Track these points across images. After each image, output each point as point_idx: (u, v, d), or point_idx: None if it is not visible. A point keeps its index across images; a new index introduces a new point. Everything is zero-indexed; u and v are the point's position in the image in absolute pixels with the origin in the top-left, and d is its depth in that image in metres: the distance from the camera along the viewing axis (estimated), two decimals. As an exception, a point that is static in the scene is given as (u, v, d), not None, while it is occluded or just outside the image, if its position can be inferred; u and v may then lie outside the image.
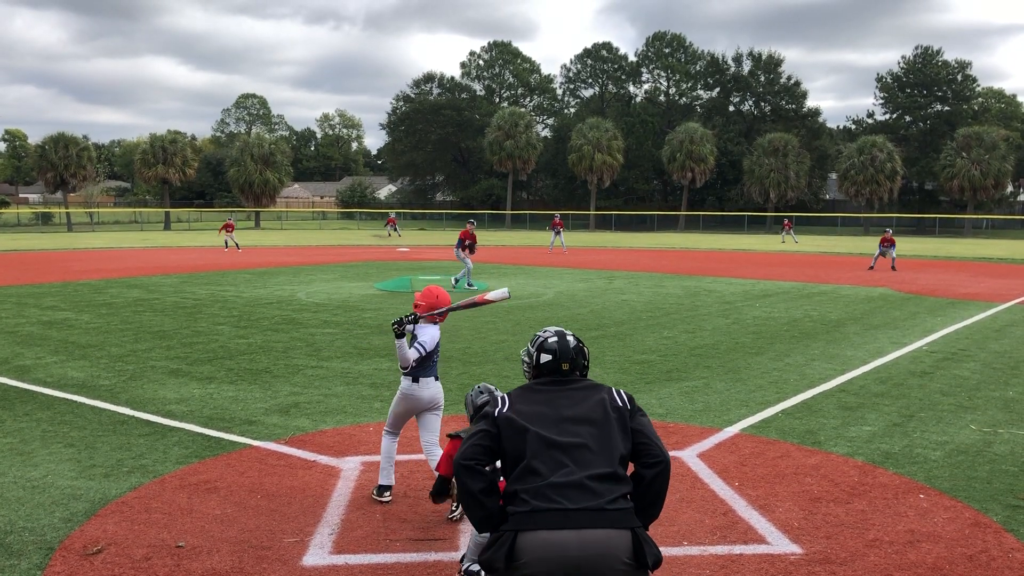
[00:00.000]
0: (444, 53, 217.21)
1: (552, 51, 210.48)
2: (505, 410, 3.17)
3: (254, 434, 7.32)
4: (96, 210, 74.69)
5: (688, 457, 6.74)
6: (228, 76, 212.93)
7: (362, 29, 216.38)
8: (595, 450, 3.07)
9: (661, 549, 4.96)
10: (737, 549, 4.97)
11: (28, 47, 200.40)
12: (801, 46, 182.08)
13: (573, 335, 3.40)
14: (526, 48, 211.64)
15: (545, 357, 3.30)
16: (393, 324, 5.10)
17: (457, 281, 20.59)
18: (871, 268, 27.52)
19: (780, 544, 5.05)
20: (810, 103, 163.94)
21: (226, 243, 36.53)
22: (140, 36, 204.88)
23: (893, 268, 27.16)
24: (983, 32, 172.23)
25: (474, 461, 3.12)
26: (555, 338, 3.33)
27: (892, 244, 28.00)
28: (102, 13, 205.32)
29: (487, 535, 3.22)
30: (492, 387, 5.12)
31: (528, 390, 3.29)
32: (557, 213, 44.41)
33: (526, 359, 3.43)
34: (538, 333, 3.44)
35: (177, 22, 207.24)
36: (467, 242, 21.27)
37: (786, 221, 51.30)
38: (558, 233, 37.51)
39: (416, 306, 5.49)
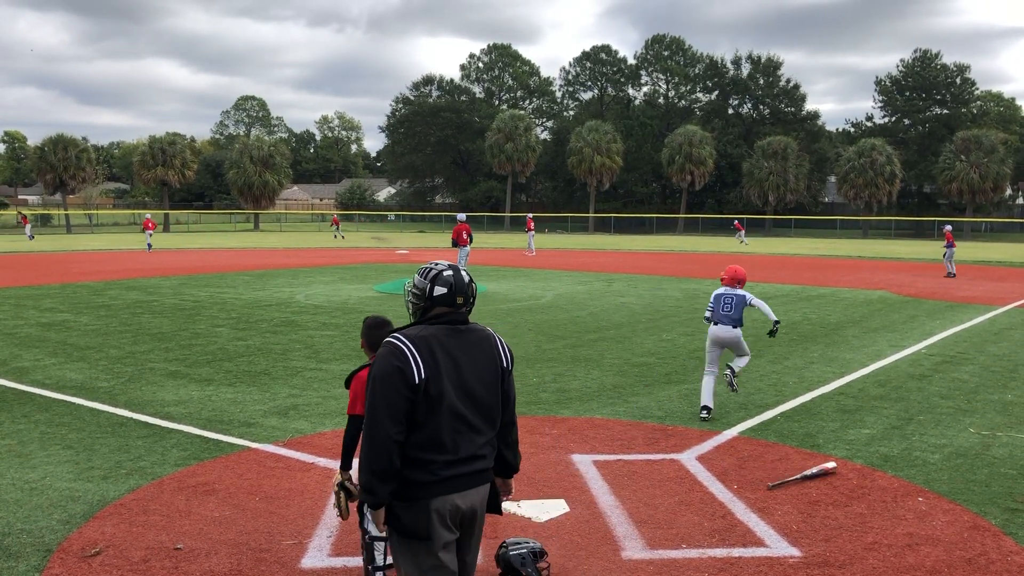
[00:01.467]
0: (446, 56, 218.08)
1: (555, 53, 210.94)
2: (423, 375, 3.07)
3: (253, 436, 7.31)
4: (95, 212, 74.69)
5: (687, 460, 6.74)
6: (230, 78, 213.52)
7: (365, 31, 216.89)
8: (486, 421, 3.23)
9: (660, 552, 4.99)
10: (736, 552, 4.97)
11: (30, 48, 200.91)
12: (803, 49, 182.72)
13: (464, 270, 3.39)
14: (528, 51, 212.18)
15: (440, 290, 3.24)
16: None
17: None
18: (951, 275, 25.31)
19: (779, 547, 5.05)
20: (812, 106, 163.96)
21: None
22: (143, 38, 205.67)
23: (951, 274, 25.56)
24: (986, 35, 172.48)
25: (401, 436, 3.09)
26: (450, 271, 3.29)
27: (951, 243, 25.92)
28: (105, 15, 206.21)
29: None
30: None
31: (434, 341, 3.17)
32: (530, 214, 44.47)
33: (415, 291, 3.34)
34: (427, 265, 3.38)
35: (180, 24, 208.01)
36: (464, 235, 21.30)
37: (736, 222, 52.82)
38: (532, 234, 38.12)
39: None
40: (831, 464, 6.41)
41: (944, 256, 25.80)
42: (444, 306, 3.25)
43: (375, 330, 4.42)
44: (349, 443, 4.21)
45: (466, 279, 3.34)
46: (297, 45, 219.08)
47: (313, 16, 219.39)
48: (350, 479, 4.19)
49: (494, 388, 3.25)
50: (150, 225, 39.15)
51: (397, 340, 3.14)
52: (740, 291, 8.15)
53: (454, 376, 3.14)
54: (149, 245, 37.54)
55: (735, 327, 8.07)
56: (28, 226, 46.39)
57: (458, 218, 22.42)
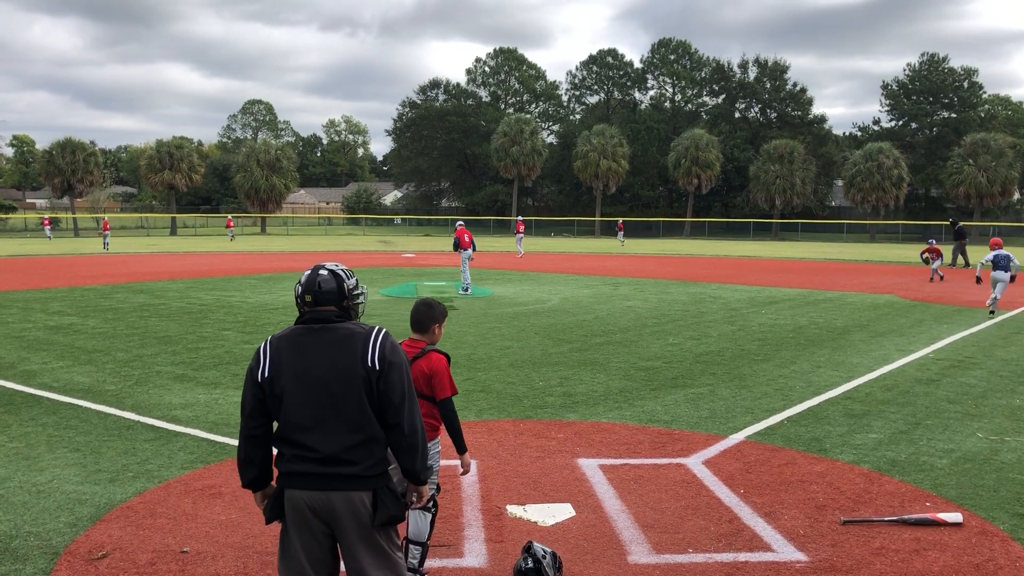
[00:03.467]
0: (457, 60, 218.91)
1: (566, 57, 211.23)
2: (267, 374, 3.24)
3: (259, 439, 7.31)
4: (103, 215, 74.95)
5: (693, 464, 6.73)
6: (241, 82, 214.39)
7: (377, 36, 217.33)
8: (348, 423, 3.18)
9: (667, 556, 4.98)
10: (742, 557, 4.96)
11: (43, 53, 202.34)
12: (814, 53, 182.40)
13: (333, 270, 3.38)
14: (540, 55, 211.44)
15: (297, 289, 3.37)
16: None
17: (466, 290, 20.47)
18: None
19: (785, 552, 5.03)
20: (822, 110, 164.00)
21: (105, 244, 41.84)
22: (155, 42, 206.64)
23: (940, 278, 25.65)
24: (998, 39, 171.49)
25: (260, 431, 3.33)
26: (308, 273, 3.39)
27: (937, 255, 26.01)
28: (118, 20, 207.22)
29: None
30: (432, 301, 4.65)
31: (286, 340, 3.29)
32: (519, 217, 44.53)
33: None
34: None
35: (192, 29, 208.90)
36: (467, 238, 21.28)
37: (620, 223, 54.54)
38: (521, 237, 38.29)
39: None
40: (950, 516, 5.49)
41: (953, 259, 25.99)
42: (303, 305, 3.35)
43: (414, 309, 4.53)
44: (457, 425, 4.41)
45: (321, 277, 3.33)
46: (309, 49, 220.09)
47: (326, 20, 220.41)
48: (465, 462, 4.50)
49: (355, 389, 3.17)
50: (107, 227, 44.20)
51: (264, 341, 3.36)
52: (1005, 251, 16.49)
53: (302, 374, 3.20)
54: (105, 245, 41.66)
55: (1005, 272, 16.15)
56: (48, 228, 48.51)
57: (459, 223, 22.75)
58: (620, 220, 56.52)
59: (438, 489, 4.59)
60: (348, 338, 3.24)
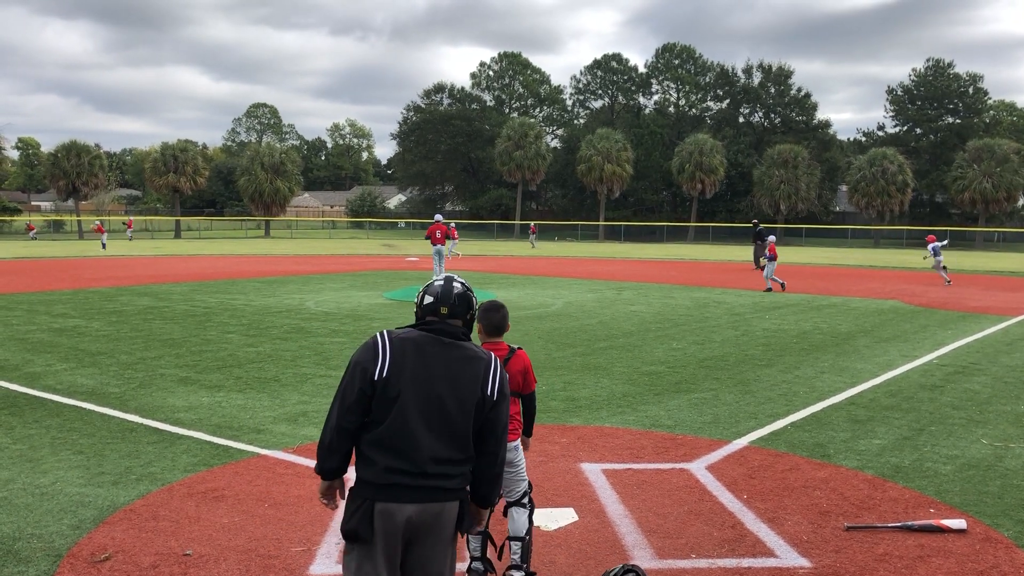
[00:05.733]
0: (466, 65, 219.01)
1: (575, 61, 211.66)
2: (385, 373, 3.17)
3: (262, 443, 7.32)
4: (107, 218, 75.08)
5: (697, 469, 6.71)
6: (251, 86, 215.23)
7: (388, 40, 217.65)
8: (452, 441, 3.18)
9: (670, 562, 4.97)
10: (746, 562, 4.95)
11: (53, 57, 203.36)
12: (823, 58, 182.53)
13: (463, 283, 3.47)
14: (549, 60, 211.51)
15: (428, 299, 3.39)
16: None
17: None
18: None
19: (789, 558, 5.02)
20: (831, 115, 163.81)
21: (103, 244, 43.97)
22: (166, 46, 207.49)
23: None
24: (1009, 44, 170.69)
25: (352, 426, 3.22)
26: (441, 282, 3.43)
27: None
28: (131, 24, 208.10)
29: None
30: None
31: (411, 344, 3.25)
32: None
33: (416, 300, 3.50)
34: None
35: (203, 32, 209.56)
36: (439, 234, 22.14)
37: (532, 226, 55.87)
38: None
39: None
40: (955, 523, 5.46)
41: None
42: (432, 315, 3.36)
43: (490, 312, 4.67)
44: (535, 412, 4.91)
45: (456, 290, 3.40)
46: (320, 53, 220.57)
47: (336, 24, 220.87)
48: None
49: (467, 411, 3.19)
50: (102, 229, 46.76)
51: (378, 335, 3.27)
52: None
53: (422, 383, 3.16)
54: (104, 244, 44.26)
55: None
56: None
57: (435, 218, 23.92)
58: (532, 223, 57.86)
59: (530, 486, 4.78)
60: (473, 360, 3.27)
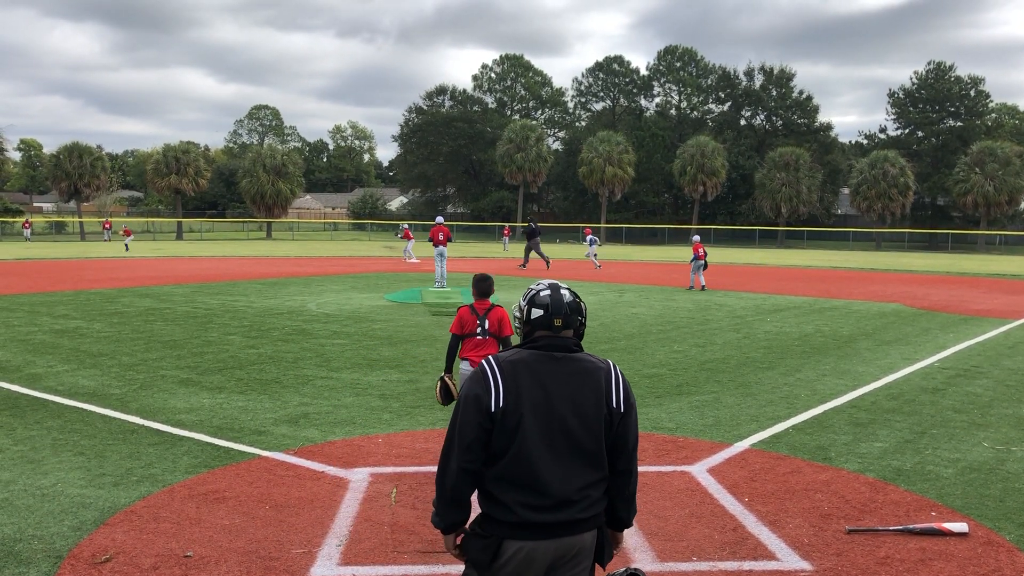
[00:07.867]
0: (471, 67, 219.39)
1: (582, 63, 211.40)
2: (502, 403, 2.89)
3: (263, 444, 7.32)
4: (110, 219, 75.19)
5: (698, 472, 6.71)
6: (256, 88, 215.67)
7: (395, 42, 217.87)
8: (585, 463, 2.93)
9: (671, 564, 4.96)
10: (747, 565, 4.94)
11: (59, 58, 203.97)
12: (829, 61, 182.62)
13: (569, 289, 3.13)
14: (555, 62, 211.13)
15: (536, 312, 3.04)
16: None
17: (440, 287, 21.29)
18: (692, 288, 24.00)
19: (790, 560, 5.01)
20: (835, 118, 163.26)
21: (126, 246, 45.35)
22: (172, 48, 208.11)
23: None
24: (1016, 47, 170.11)
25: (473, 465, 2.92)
26: (547, 291, 3.07)
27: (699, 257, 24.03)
28: (137, 26, 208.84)
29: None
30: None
31: (523, 367, 2.97)
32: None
33: (517, 314, 3.17)
34: (531, 286, 3.18)
35: (209, 34, 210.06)
36: (441, 236, 22.57)
37: (505, 228, 57.02)
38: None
39: None
40: (956, 526, 5.45)
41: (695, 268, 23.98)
42: (543, 329, 3.03)
43: (481, 283, 6.53)
44: (450, 352, 6.50)
45: (567, 298, 3.06)
46: (326, 55, 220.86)
47: (343, 26, 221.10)
48: (451, 378, 6.29)
49: (595, 427, 2.92)
50: (129, 232, 48.19)
51: (485, 364, 2.99)
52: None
53: (542, 406, 2.88)
54: (127, 246, 45.47)
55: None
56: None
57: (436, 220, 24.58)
58: (506, 226, 58.59)
59: None
60: (591, 372, 2.98)
